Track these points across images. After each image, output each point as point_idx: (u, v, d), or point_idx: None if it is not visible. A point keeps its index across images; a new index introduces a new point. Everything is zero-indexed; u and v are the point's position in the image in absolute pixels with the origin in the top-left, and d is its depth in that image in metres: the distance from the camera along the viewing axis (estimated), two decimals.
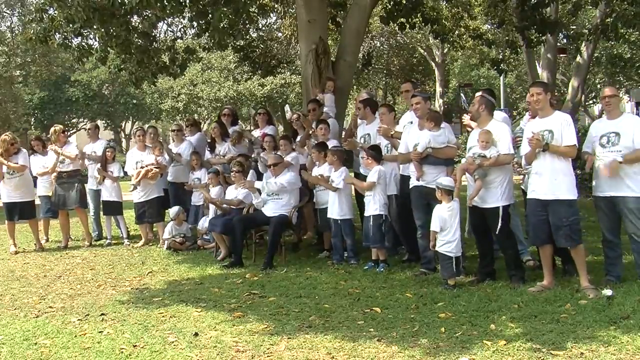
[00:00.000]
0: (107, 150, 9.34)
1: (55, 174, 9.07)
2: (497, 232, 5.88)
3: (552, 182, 5.48)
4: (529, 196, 5.74)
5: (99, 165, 9.29)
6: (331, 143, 7.59)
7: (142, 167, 8.84)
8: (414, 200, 6.49)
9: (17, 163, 8.68)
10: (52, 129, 9.34)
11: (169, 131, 9.59)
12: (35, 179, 9.30)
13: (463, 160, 6.07)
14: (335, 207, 7.16)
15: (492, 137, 5.80)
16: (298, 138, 8.46)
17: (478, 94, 6.51)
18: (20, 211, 8.84)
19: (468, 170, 5.87)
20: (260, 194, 7.53)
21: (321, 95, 8.54)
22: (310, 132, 8.09)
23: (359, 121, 8.11)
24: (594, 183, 5.80)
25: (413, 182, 6.50)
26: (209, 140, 9.26)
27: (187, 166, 9.00)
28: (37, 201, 9.28)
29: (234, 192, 7.89)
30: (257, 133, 9.07)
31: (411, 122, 6.79)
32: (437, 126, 6.31)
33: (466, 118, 6.73)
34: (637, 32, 16.18)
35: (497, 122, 6.03)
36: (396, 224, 7.04)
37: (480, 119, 6.00)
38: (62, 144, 9.09)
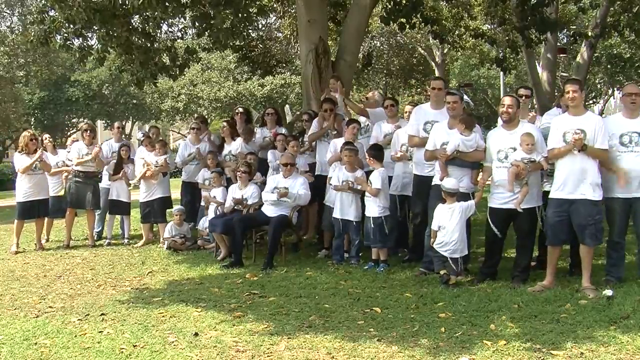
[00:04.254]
0: (122, 149, 9.33)
1: (67, 174, 9.09)
2: (526, 233, 5.91)
3: (580, 182, 5.46)
4: (552, 195, 5.68)
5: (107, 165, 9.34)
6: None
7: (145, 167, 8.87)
8: (432, 199, 6.35)
9: (43, 160, 8.72)
10: (81, 125, 9.45)
11: (190, 128, 9.53)
12: None
13: (487, 164, 5.99)
14: (351, 209, 7.08)
15: (534, 139, 5.75)
16: (306, 137, 8.42)
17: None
18: (38, 209, 8.83)
19: (519, 175, 5.73)
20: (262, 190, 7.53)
21: (336, 95, 8.45)
22: (334, 132, 7.93)
23: (362, 119, 8.04)
24: (607, 184, 5.71)
25: (435, 181, 6.37)
26: (219, 142, 9.26)
27: (202, 166, 8.98)
28: None
29: (239, 192, 7.86)
30: (259, 132, 9.05)
31: (437, 122, 6.60)
32: (469, 130, 6.18)
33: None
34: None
35: (527, 123, 6.01)
36: (414, 223, 7.00)
37: (514, 122, 5.92)
38: (90, 144, 9.08)
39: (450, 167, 6.21)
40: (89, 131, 9.25)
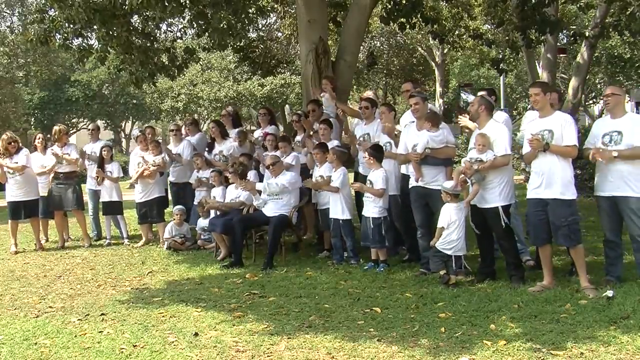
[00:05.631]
0: (104, 149, 9.29)
1: (53, 174, 9.05)
2: (497, 232, 5.89)
3: (551, 181, 5.49)
4: (528, 196, 5.74)
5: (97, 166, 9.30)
6: (332, 143, 7.58)
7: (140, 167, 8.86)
8: (413, 201, 6.53)
9: (17, 163, 8.67)
10: (55, 129, 9.31)
11: (169, 131, 9.52)
12: None
13: (463, 162, 6.06)
14: (337, 208, 7.14)
15: (488, 140, 5.82)
16: (298, 138, 8.46)
17: (480, 93, 6.49)
18: (25, 210, 8.83)
19: (465, 174, 5.87)
20: (260, 194, 7.53)
21: (322, 95, 8.49)
22: (311, 132, 8.09)
23: (354, 120, 8.13)
24: (595, 183, 5.80)
25: (412, 183, 6.52)
26: (209, 141, 9.25)
27: (188, 166, 8.99)
28: None
29: (235, 192, 7.89)
30: (258, 133, 9.07)
31: (413, 122, 6.77)
32: (436, 127, 6.32)
33: (463, 119, 6.62)
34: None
35: (496, 123, 6.02)
36: (398, 223, 7.04)
37: (479, 120, 6.01)
38: (62, 145, 9.08)
39: (424, 167, 6.33)
40: (66, 133, 9.20)
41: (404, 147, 6.55)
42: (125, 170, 9.90)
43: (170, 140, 9.59)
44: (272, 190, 7.37)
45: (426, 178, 6.35)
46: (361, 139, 7.44)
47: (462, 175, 5.97)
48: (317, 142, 7.67)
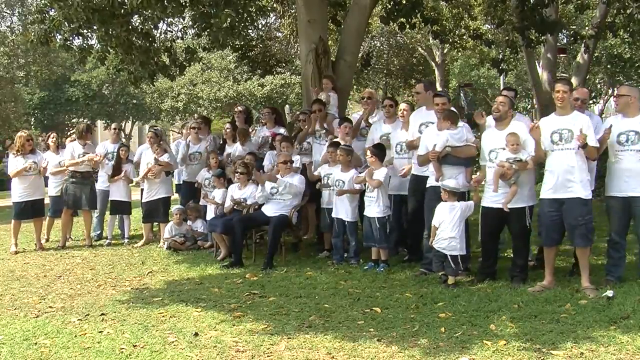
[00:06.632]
0: (121, 149, 9.34)
1: (69, 172, 9.05)
2: (516, 233, 5.88)
3: (570, 181, 5.47)
4: (542, 196, 5.69)
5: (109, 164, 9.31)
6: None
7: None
8: (428, 200, 6.40)
9: (35, 162, 8.72)
10: (80, 126, 9.41)
11: (190, 128, 9.44)
12: (46, 177, 9.30)
13: (483, 164, 5.97)
14: (344, 209, 7.11)
15: (520, 138, 5.77)
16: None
17: (507, 93, 6.37)
18: (32, 209, 8.83)
19: (505, 175, 5.74)
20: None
21: (324, 95, 8.47)
22: (323, 132, 8.02)
23: (360, 119, 8.09)
24: (606, 183, 5.76)
25: (431, 182, 6.42)
26: (220, 142, 9.25)
27: (201, 165, 8.94)
28: (46, 200, 9.27)
29: (238, 193, 7.87)
30: (264, 132, 9.03)
31: (431, 123, 6.62)
32: (455, 124, 6.25)
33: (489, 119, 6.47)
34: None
35: (519, 123, 5.99)
36: (406, 223, 7.00)
37: (505, 121, 5.93)
38: (84, 143, 9.03)
39: (444, 166, 6.26)
40: (85, 132, 9.19)
41: (424, 149, 6.42)
42: None
43: (171, 140, 9.55)
44: (283, 190, 7.32)
45: (446, 177, 6.28)
46: (384, 137, 7.34)
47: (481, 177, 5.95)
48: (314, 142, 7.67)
